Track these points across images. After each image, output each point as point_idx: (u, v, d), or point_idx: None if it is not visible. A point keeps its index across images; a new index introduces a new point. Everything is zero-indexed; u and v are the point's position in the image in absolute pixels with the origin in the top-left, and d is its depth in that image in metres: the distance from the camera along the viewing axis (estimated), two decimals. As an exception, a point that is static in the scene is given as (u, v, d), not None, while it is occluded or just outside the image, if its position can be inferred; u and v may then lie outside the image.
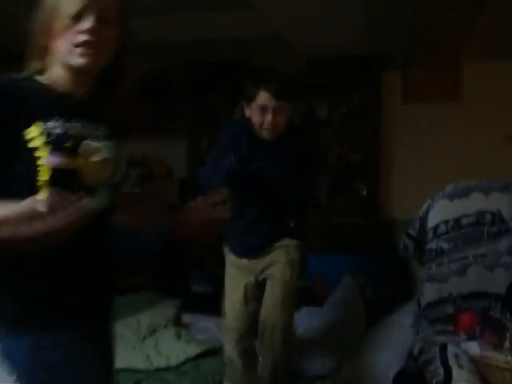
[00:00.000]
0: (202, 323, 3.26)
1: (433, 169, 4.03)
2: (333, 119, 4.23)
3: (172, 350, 2.72)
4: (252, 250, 2.31)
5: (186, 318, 3.36)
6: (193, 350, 2.72)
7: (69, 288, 1.22)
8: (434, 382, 1.89)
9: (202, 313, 3.40)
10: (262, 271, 2.30)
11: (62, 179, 1.10)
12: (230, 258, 2.38)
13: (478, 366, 1.90)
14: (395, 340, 2.52)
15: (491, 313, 2.25)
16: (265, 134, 2.21)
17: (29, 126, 1.11)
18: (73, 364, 1.20)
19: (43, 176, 1.08)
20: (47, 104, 1.17)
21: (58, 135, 1.12)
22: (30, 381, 1.21)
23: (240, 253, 2.34)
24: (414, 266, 2.93)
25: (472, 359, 1.92)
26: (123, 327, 2.80)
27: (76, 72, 1.20)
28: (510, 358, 1.83)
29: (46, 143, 1.11)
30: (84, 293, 1.24)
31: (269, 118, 2.16)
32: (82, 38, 1.14)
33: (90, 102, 1.24)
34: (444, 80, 4.19)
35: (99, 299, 1.31)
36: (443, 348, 2.03)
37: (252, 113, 2.21)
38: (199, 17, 3.27)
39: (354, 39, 3.64)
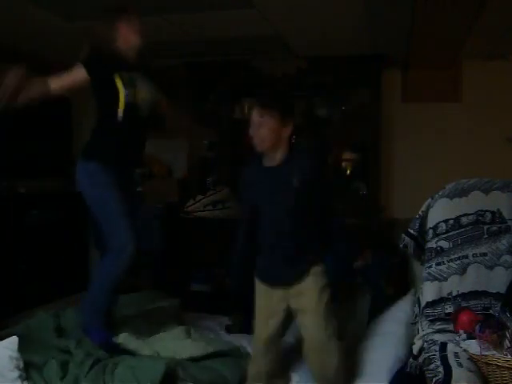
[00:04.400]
0: (203, 322, 3.27)
1: (432, 168, 4.04)
2: (333, 119, 4.24)
3: (180, 346, 2.68)
4: (278, 279, 2.27)
5: (186, 317, 3.37)
6: (204, 348, 2.65)
7: None
8: (433, 380, 1.89)
9: (202, 312, 3.41)
10: (292, 301, 2.26)
11: None
12: (260, 288, 2.33)
13: (478, 365, 1.90)
14: (395, 339, 2.52)
15: (491, 311, 2.25)
16: (257, 148, 2.18)
17: None
18: None
19: None
20: None
21: None
22: None
23: (267, 281, 2.30)
24: (413, 265, 2.93)
25: (472, 358, 1.92)
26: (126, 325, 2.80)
27: None
28: (509, 356, 1.83)
29: None
30: None
31: (252, 132, 2.14)
32: None
33: None
34: (444, 80, 4.20)
35: None
36: (443, 347, 2.03)
37: None
38: (199, 17, 3.28)
39: (354, 39, 3.64)
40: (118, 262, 2.58)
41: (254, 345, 2.36)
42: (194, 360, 2.55)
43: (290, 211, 2.19)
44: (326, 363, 2.21)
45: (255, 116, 2.14)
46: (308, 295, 2.20)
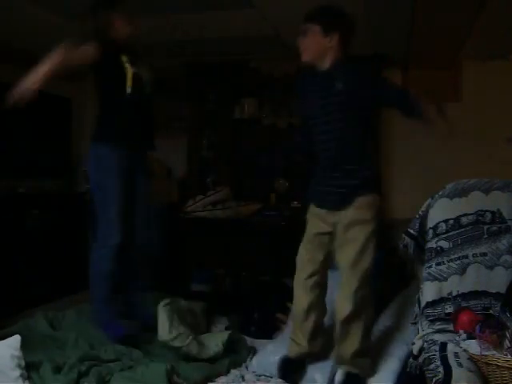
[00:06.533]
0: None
1: (432, 168, 4.04)
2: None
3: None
4: (327, 202, 2.34)
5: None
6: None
7: None
8: (433, 380, 1.89)
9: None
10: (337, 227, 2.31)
11: None
12: (311, 208, 2.44)
13: (478, 365, 1.90)
14: (395, 339, 2.52)
15: (491, 311, 2.25)
16: (302, 58, 2.32)
17: None
18: None
19: None
20: None
21: None
22: None
23: (317, 203, 2.40)
24: (413, 265, 2.93)
25: (472, 358, 1.92)
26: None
27: None
28: (509, 356, 1.83)
29: None
30: None
31: (298, 43, 2.30)
32: None
33: None
34: (444, 80, 4.20)
35: None
36: (443, 347, 2.03)
37: None
38: (199, 17, 3.28)
39: (354, 38, 3.64)
40: (102, 251, 2.63)
41: (296, 278, 2.43)
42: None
43: (339, 121, 2.25)
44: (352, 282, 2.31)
45: (301, 28, 2.29)
46: (350, 224, 2.25)
